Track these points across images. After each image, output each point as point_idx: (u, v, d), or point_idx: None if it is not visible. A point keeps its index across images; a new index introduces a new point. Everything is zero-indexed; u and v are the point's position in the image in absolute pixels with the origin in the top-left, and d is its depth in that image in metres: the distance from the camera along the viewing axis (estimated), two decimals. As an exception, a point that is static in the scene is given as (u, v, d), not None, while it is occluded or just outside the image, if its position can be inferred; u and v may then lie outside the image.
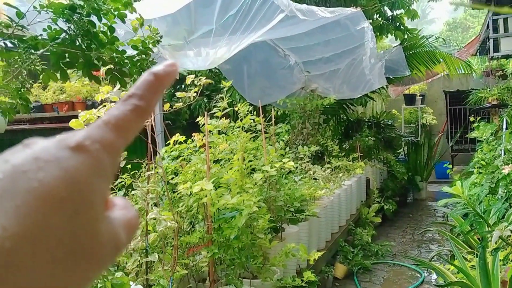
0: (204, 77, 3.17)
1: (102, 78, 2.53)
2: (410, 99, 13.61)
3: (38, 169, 0.29)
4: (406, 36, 8.78)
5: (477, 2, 8.54)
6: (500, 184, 4.49)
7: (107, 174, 0.33)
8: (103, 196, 0.33)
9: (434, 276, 5.20)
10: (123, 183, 3.25)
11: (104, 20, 1.97)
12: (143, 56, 2.08)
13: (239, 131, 3.86)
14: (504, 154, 5.22)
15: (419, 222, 8.36)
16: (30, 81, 2.11)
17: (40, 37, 1.89)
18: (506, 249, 3.26)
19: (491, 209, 4.19)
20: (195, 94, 3.00)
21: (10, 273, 0.27)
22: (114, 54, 1.99)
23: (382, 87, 8.64)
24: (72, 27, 1.88)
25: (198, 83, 3.15)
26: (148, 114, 0.36)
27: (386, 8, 8.76)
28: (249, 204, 2.99)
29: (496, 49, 8.08)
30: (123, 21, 2.15)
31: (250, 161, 3.74)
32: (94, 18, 1.98)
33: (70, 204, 0.30)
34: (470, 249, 4.29)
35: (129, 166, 3.15)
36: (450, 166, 7.20)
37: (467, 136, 8.45)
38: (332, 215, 5.61)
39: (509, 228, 1.89)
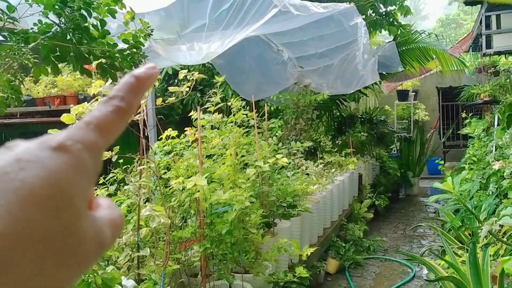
0: (197, 72, 3.16)
1: (94, 72, 2.52)
2: (403, 95, 13.65)
3: (20, 170, 0.30)
4: (399, 32, 8.80)
5: (469, 1, 8.59)
6: (491, 180, 4.52)
7: (89, 174, 0.33)
8: (85, 195, 0.33)
9: (425, 271, 5.24)
10: (115, 177, 3.24)
11: (95, 14, 1.96)
12: (134, 50, 2.07)
13: (232, 126, 3.86)
14: (496, 150, 5.25)
15: (411, 217, 8.41)
16: (22, 75, 2.09)
17: (31, 31, 1.87)
18: (496, 244, 3.29)
19: (482, 204, 4.22)
20: (188, 89, 2.99)
21: None
22: (105, 48, 1.97)
23: (375, 83, 8.66)
24: (63, 20, 1.86)
25: (191, 78, 3.14)
26: (129, 115, 0.36)
27: (380, 4, 8.76)
28: (241, 199, 2.99)
29: (489, 46, 8.12)
30: (114, 17, 2.14)
31: (243, 156, 3.74)
32: (86, 12, 1.97)
33: (53, 202, 0.30)
34: (461, 245, 4.32)
35: (121, 160, 3.15)
36: (442, 162, 7.26)
37: (459, 132, 8.49)
38: (325, 211, 5.63)
39: (499, 223, 1.90)
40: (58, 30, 1.87)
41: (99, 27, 1.95)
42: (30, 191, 0.29)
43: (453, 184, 2.38)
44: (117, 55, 2.06)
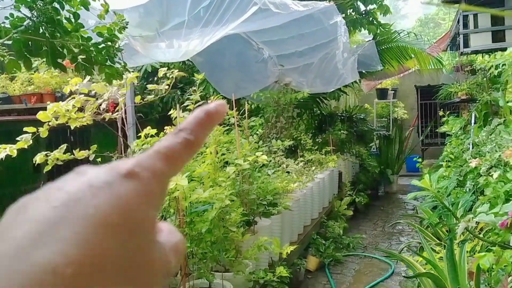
0: (177, 70, 3.14)
1: (72, 69, 2.47)
2: (382, 93, 13.77)
3: (92, 196, 0.30)
4: (379, 31, 8.87)
5: (447, 0, 8.68)
6: (468, 177, 4.59)
7: (156, 202, 0.34)
8: (154, 223, 0.33)
9: (404, 267, 5.29)
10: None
11: (67, 7, 1.92)
12: (109, 43, 2.04)
13: (211, 124, 3.84)
14: (472, 148, 5.33)
15: (390, 214, 8.49)
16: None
17: (2, 25, 1.83)
18: (473, 241, 3.34)
19: (459, 201, 4.29)
20: (167, 86, 2.97)
21: None
22: (79, 42, 1.94)
23: (355, 82, 8.72)
24: (35, 14, 1.83)
25: (171, 76, 3.12)
26: (197, 149, 0.37)
27: (359, 3, 8.81)
28: (221, 197, 2.98)
29: (466, 45, 8.22)
30: (87, 9, 2.11)
31: (223, 154, 3.73)
32: (58, 5, 1.93)
33: (125, 230, 0.30)
34: (439, 241, 4.37)
35: (99, 159, 3.11)
36: (420, 160, 7.33)
37: (437, 130, 8.61)
38: (305, 208, 5.65)
39: (475, 220, 1.93)
40: (30, 23, 1.83)
41: (73, 20, 1.91)
42: (103, 218, 0.29)
43: (431, 181, 2.41)
44: (91, 48, 2.03)
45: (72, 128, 2.56)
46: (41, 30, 1.86)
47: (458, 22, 8.39)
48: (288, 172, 5.76)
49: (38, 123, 2.47)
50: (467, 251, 3.13)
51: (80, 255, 0.28)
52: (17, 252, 0.27)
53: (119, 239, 0.30)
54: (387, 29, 8.91)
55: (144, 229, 0.32)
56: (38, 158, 2.57)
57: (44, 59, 2.00)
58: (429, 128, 12.18)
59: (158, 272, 0.32)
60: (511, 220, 1.78)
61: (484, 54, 8.48)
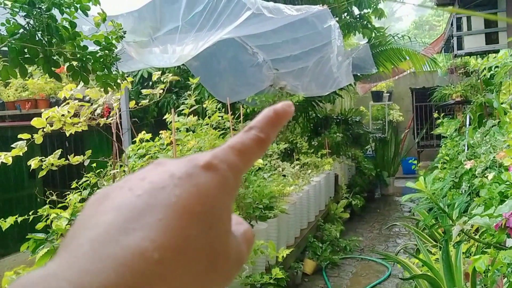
0: (171, 74, 3.14)
1: (66, 75, 2.47)
2: (377, 96, 13.81)
3: (174, 186, 0.32)
4: (373, 35, 8.90)
5: (441, 3, 8.74)
6: (463, 178, 4.60)
7: (232, 192, 0.35)
8: (230, 213, 0.35)
9: (401, 269, 5.30)
10: (88, 182, 3.19)
11: (65, 15, 1.92)
12: (106, 52, 2.04)
13: (207, 128, 3.84)
14: (468, 149, 5.35)
15: (387, 217, 8.50)
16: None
17: (-1, 32, 1.83)
18: (469, 242, 3.35)
19: (455, 203, 4.30)
20: (162, 91, 2.97)
21: (158, 282, 0.28)
22: (76, 50, 1.94)
23: (350, 84, 8.74)
24: (31, 21, 1.83)
25: (165, 80, 3.13)
26: (267, 146, 0.38)
27: (354, 6, 8.85)
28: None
29: (460, 47, 8.28)
30: (86, 14, 2.11)
31: (218, 158, 3.72)
32: (55, 12, 1.93)
33: (205, 218, 0.31)
34: (435, 243, 4.38)
35: (94, 164, 3.11)
36: (416, 162, 7.35)
37: (432, 132, 8.63)
38: (301, 211, 5.65)
39: (469, 222, 1.94)
40: (26, 31, 1.83)
41: (69, 28, 1.91)
42: (185, 207, 0.31)
43: (425, 183, 2.42)
44: (89, 57, 2.03)
45: (67, 134, 2.56)
46: (37, 38, 1.86)
47: (452, 24, 8.45)
48: (284, 176, 5.76)
49: (33, 129, 2.47)
50: (463, 252, 3.14)
51: (165, 241, 0.29)
52: (106, 238, 0.29)
53: (200, 227, 0.31)
54: (381, 33, 8.95)
55: (223, 219, 0.33)
56: (33, 164, 2.56)
57: (39, 66, 2.00)
58: (424, 130, 12.22)
59: (234, 261, 0.34)
60: (505, 221, 1.79)
61: (477, 56, 8.54)
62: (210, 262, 0.31)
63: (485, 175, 3.83)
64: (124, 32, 2.17)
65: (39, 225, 2.44)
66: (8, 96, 5.38)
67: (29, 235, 2.28)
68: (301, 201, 5.58)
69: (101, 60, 2.06)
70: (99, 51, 2.08)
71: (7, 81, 5.51)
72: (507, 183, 2.46)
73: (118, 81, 2.20)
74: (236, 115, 4.63)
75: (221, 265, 0.32)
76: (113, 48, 2.11)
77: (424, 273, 3.25)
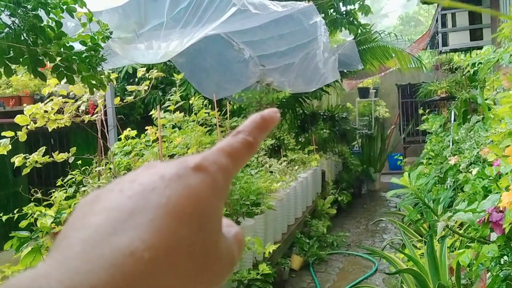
0: (156, 70, 3.13)
1: (51, 72, 2.45)
2: (364, 92, 13.87)
3: (164, 187, 0.32)
4: (359, 31, 8.93)
5: (426, -2, 8.79)
6: (448, 174, 4.65)
7: (222, 194, 0.35)
8: (221, 215, 0.35)
9: (387, 264, 5.34)
10: (73, 179, 3.17)
11: (51, 15, 1.90)
12: (92, 52, 2.02)
13: (194, 125, 3.83)
14: (452, 145, 5.40)
15: (373, 212, 8.56)
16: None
17: (-16, 32, 1.81)
18: (453, 237, 3.39)
19: (440, 198, 4.34)
20: (147, 87, 2.96)
21: (150, 281, 0.29)
22: (61, 50, 1.92)
23: (337, 81, 8.77)
24: (17, 21, 1.81)
25: (150, 76, 3.11)
26: (255, 149, 0.39)
27: (339, 2, 8.86)
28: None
29: (445, 43, 8.34)
30: (72, 16, 2.09)
31: (205, 155, 3.71)
32: (41, 13, 1.91)
33: (196, 219, 0.32)
34: (420, 237, 4.42)
35: (79, 162, 3.08)
36: (401, 158, 7.41)
37: (417, 128, 8.71)
38: (288, 208, 5.67)
39: (453, 218, 1.96)
40: (11, 30, 1.81)
41: (55, 28, 1.89)
42: (176, 208, 0.31)
43: (410, 178, 2.44)
44: (74, 57, 2.01)
45: (50, 130, 2.53)
46: (22, 37, 1.84)
47: (437, 21, 8.51)
48: (271, 172, 5.77)
49: (17, 127, 2.44)
50: (447, 247, 3.17)
51: (156, 241, 0.29)
52: (97, 238, 0.29)
53: (191, 228, 0.31)
54: (367, 29, 8.98)
55: (213, 220, 0.33)
56: (17, 161, 2.54)
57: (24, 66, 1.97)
58: (410, 126, 12.30)
59: (226, 262, 0.34)
60: (488, 216, 1.81)
61: (463, 52, 8.61)
62: (201, 263, 0.32)
63: (470, 171, 3.87)
64: (111, 33, 2.16)
65: (23, 223, 2.42)
66: (-8, 93, 5.31)
67: (13, 233, 2.26)
68: (288, 197, 5.59)
69: (87, 60, 2.05)
70: (85, 51, 2.07)
71: (-10, 78, 5.45)
72: (490, 178, 2.49)
73: (104, 82, 2.18)
74: (223, 111, 4.61)
75: (212, 265, 0.33)
76: (99, 48, 2.10)
77: (410, 268, 3.28)
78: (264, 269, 3.40)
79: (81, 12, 2.11)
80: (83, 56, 2.05)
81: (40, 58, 1.95)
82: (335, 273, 5.46)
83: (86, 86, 2.15)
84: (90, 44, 2.08)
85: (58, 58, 1.98)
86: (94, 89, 2.68)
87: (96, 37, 2.11)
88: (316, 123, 9.17)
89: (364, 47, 8.68)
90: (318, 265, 5.69)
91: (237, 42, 6.15)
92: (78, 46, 2.13)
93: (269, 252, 3.64)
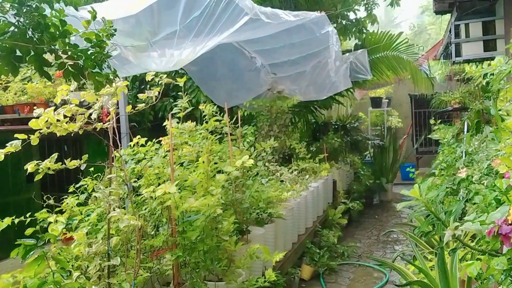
0: (165, 75, 3.15)
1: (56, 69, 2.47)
2: (376, 102, 13.83)
3: None
4: (370, 38, 8.90)
5: (439, 11, 8.77)
6: (461, 185, 4.60)
7: None
8: None
9: (398, 276, 5.29)
10: (85, 186, 3.20)
11: (55, 13, 1.93)
12: (98, 48, 2.04)
13: (204, 133, 3.85)
14: (465, 156, 5.34)
15: (385, 223, 8.50)
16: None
17: (-11, 31, 1.83)
18: (465, 249, 3.35)
19: (452, 209, 4.29)
20: (157, 93, 2.98)
21: None
22: (67, 48, 1.94)
23: (349, 90, 8.75)
24: (21, 20, 1.83)
25: (160, 82, 3.13)
26: None
27: (351, 12, 8.90)
28: (212, 205, 2.98)
29: (458, 54, 8.30)
30: (77, 9, 2.11)
31: (215, 163, 3.73)
32: (48, 7, 1.93)
33: None
34: (432, 249, 4.38)
35: (92, 169, 3.11)
36: (413, 170, 7.34)
37: (429, 136, 8.65)
38: (299, 217, 5.65)
39: (461, 228, 1.94)
40: (17, 29, 1.84)
41: (60, 26, 1.92)
42: None
43: (420, 190, 2.42)
44: (80, 54, 2.03)
45: (58, 135, 2.55)
46: (28, 36, 1.86)
47: (450, 31, 8.47)
48: (282, 181, 5.77)
49: (31, 133, 2.47)
50: (459, 259, 3.14)
51: None
52: None
53: None
54: (376, 38, 8.95)
55: None
56: (30, 167, 2.57)
57: (30, 64, 1.99)
58: (423, 137, 12.22)
59: None
60: (498, 228, 1.79)
61: (476, 63, 8.56)
62: None
63: (482, 182, 3.83)
64: (115, 30, 2.17)
65: (29, 231, 2.44)
66: (7, 100, 5.39)
67: (19, 241, 2.28)
68: (298, 206, 5.58)
69: (92, 57, 2.06)
70: (90, 48, 2.08)
71: (6, 85, 5.53)
72: (502, 190, 2.47)
73: (110, 77, 2.19)
74: (234, 119, 4.63)
75: None
76: (104, 45, 2.11)
77: (420, 280, 3.25)
78: (270, 276, 3.38)
79: (85, 21, 2.13)
80: (89, 53, 2.06)
81: (46, 56, 1.97)
82: (345, 284, 5.43)
83: (92, 83, 2.16)
84: (95, 41, 2.10)
85: (64, 56, 2.00)
86: (107, 97, 2.71)
87: (100, 34, 2.12)
88: (327, 133, 9.15)
89: (377, 55, 8.64)
90: (328, 276, 5.66)
91: (249, 50, 6.18)
92: (83, 45, 2.14)
93: (276, 261, 3.63)
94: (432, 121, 6.09)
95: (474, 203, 3.69)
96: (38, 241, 2.34)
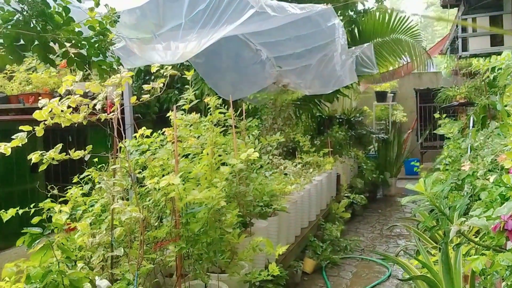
0: (170, 67, 3.14)
1: (70, 69, 2.46)
2: (381, 96, 13.78)
3: None
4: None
5: (446, 5, 8.71)
6: (466, 181, 4.58)
7: None
8: None
9: (401, 270, 5.29)
10: (89, 177, 3.20)
11: (59, 1, 1.92)
12: (101, 36, 2.03)
13: (209, 125, 3.84)
14: (470, 152, 5.32)
15: (388, 217, 8.50)
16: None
17: (-8, 19, 1.83)
18: (469, 244, 3.34)
19: (456, 205, 4.28)
20: (162, 85, 2.97)
21: None
22: (71, 36, 1.93)
23: (353, 83, 8.71)
24: (25, 8, 1.82)
25: (165, 74, 3.12)
26: None
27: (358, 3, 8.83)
28: (216, 197, 2.98)
29: (465, 48, 8.26)
30: (80, 1, 2.11)
31: (219, 155, 3.73)
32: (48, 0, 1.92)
33: None
34: (435, 244, 4.37)
35: (96, 159, 3.11)
36: (418, 164, 7.33)
37: (434, 131, 8.62)
38: (302, 210, 5.65)
39: (467, 223, 1.94)
40: (21, 17, 1.83)
41: (63, 14, 1.91)
42: None
43: (425, 185, 2.41)
44: (83, 42, 2.02)
45: (63, 126, 2.55)
46: (31, 24, 1.85)
47: (457, 26, 8.41)
48: (285, 174, 5.76)
49: (35, 123, 2.47)
50: (462, 255, 3.13)
51: None
52: None
53: None
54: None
55: None
56: (34, 157, 2.57)
57: (36, 55, 1.99)
58: (427, 131, 12.18)
59: None
60: (503, 224, 1.78)
61: (483, 57, 8.50)
62: None
63: (487, 178, 3.81)
64: (118, 17, 2.16)
65: (35, 219, 2.44)
66: (12, 90, 5.39)
67: (25, 229, 2.28)
68: (302, 200, 5.58)
69: (96, 45, 2.05)
70: (93, 36, 2.07)
71: (11, 74, 5.53)
72: (508, 186, 2.45)
73: (114, 65, 2.18)
74: (239, 111, 4.62)
75: None
76: (108, 33, 2.10)
77: (423, 275, 3.25)
78: (274, 270, 3.39)
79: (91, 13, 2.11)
80: (92, 41, 2.05)
81: (50, 45, 1.96)
82: (348, 278, 5.43)
83: (96, 74, 2.15)
84: (98, 29, 2.08)
85: (68, 44, 1.99)
86: (111, 87, 2.71)
87: (104, 22, 2.11)
88: (332, 126, 9.13)
89: (379, 40, 8.56)
90: (331, 269, 5.67)
91: (254, 43, 6.15)
92: (86, 32, 2.12)
93: (279, 254, 3.63)
94: (437, 115, 6.06)
95: (479, 199, 3.69)
96: (44, 230, 2.34)
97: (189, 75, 3.63)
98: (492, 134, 4.86)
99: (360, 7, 8.99)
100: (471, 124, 6.53)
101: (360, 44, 7.61)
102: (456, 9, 9.12)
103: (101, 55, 2.05)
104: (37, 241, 2.25)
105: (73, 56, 1.98)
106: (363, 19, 8.75)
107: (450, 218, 2.67)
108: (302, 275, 5.28)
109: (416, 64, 8.87)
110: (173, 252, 3.05)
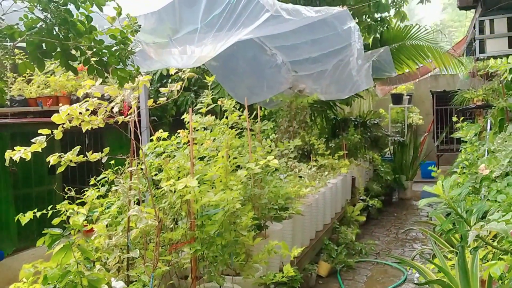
0: (188, 70, 3.16)
1: (88, 73, 2.50)
2: (397, 98, 13.67)
3: None
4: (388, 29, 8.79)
5: (463, 6, 8.62)
6: (483, 184, 4.53)
7: None
8: None
9: (417, 274, 5.24)
10: (106, 179, 3.24)
11: (81, 10, 1.96)
12: (122, 45, 2.07)
13: (224, 128, 3.86)
14: (488, 155, 5.26)
15: (404, 221, 8.43)
16: (7, 73, 2.09)
17: (16, 27, 1.87)
18: (486, 248, 3.30)
19: (473, 208, 4.23)
20: (179, 87, 3.00)
21: None
22: (92, 44, 1.97)
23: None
24: (48, 16, 1.86)
25: (183, 76, 3.15)
26: None
27: (373, 10, 8.77)
28: (231, 200, 2.99)
29: (482, 50, 8.16)
30: (101, 9, 2.14)
31: (235, 158, 3.74)
32: (71, 8, 1.96)
33: None
34: (452, 248, 4.33)
35: (113, 162, 3.14)
36: (434, 168, 7.26)
37: (451, 135, 8.54)
38: (317, 213, 5.64)
39: (486, 227, 1.92)
40: (44, 25, 1.87)
41: (86, 23, 1.95)
42: None
43: (443, 187, 2.39)
44: (104, 51, 2.05)
45: (83, 130, 2.59)
46: (54, 32, 1.89)
47: (474, 27, 8.33)
48: (300, 177, 5.76)
49: (53, 126, 2.50)
50: (479, 259, 3.09)
51: None
52: None
53: None
54: (397, 29, 8.81)
55: None
56: (52, 159, 2.60)
57: (58, 62, 2.03)
58: (444, 134, 12.06)
59: None
60: (522, 228, 1.76)
61: (501, 59, 8.40)
62: None
63: (503, 180, 3.77)
64: (139, 26, 2.19)
65: (55, 220, 2.48)
66: (30, 93, 5.47)
67: (45, 230, 2.32)
68: (317, 203, 5.57)
69: (117, 54, 2.08)
70: (114, 45, 2.10)
71: (29, 77, 5.62)
72: (526, 189, 2.43)
73: (133, 75, 2.21)
74: (253, 114, 4.63)
75: None
76: (128, 42, 2.13)
77: (439, 279, 3.21)
78: (289, 271, 3.39)
79: (110, 17, 2.15)
80: (113, 49, 2.08)
81: (72, 52, 2.00)
82: (363, 281, 5.40)
83: (116, 80, 2.19)
84: (119, 37, 2.12)
85: (89, 52, 2.03)
86: (129, 91, 2.74)
87: (125, 31, 2.14)
88: (347, 129, 9.09)
89: (397, 45, 8.50)
90: (345, 273, 5.64)
91: (269, 46, 6.16)
92: (107, 41, 2.16)
93: (294, 256, 3.63)
94: (455, 119, 6.00)
95: (496, 201, 3.64)
96: (64, 231, 2.38)
97: (210, 80, 3.65)
98: (510, 137, 4.81)
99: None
100: (488, 127, 6.45)
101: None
102: (473, 10, 9.02)
103: (121, 63, 2.08)
104: (57, 241, 2.28)
105: (93, 64, 2.02)
106: (381, 28, 8.72)
107: (468, 222, 2.65)
108: (317, 279, 5.26)
109: (440, 66, 8.77)
110: (188, 254, 3.07)
